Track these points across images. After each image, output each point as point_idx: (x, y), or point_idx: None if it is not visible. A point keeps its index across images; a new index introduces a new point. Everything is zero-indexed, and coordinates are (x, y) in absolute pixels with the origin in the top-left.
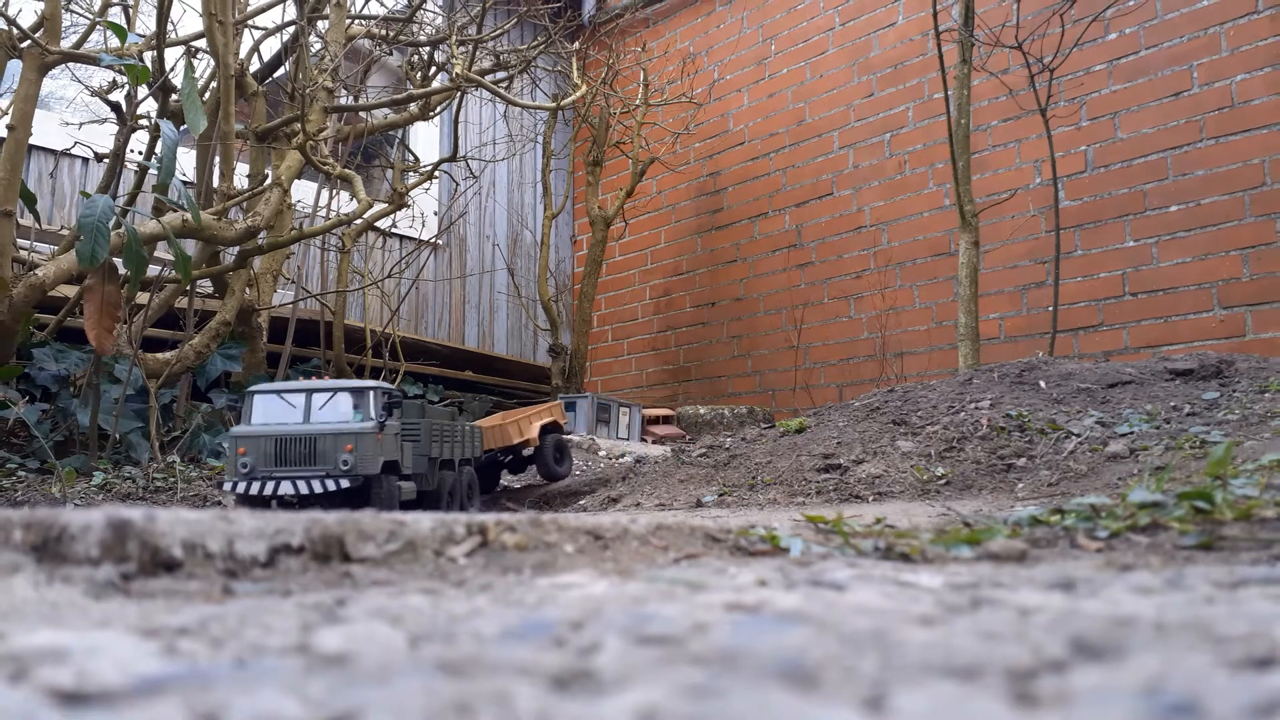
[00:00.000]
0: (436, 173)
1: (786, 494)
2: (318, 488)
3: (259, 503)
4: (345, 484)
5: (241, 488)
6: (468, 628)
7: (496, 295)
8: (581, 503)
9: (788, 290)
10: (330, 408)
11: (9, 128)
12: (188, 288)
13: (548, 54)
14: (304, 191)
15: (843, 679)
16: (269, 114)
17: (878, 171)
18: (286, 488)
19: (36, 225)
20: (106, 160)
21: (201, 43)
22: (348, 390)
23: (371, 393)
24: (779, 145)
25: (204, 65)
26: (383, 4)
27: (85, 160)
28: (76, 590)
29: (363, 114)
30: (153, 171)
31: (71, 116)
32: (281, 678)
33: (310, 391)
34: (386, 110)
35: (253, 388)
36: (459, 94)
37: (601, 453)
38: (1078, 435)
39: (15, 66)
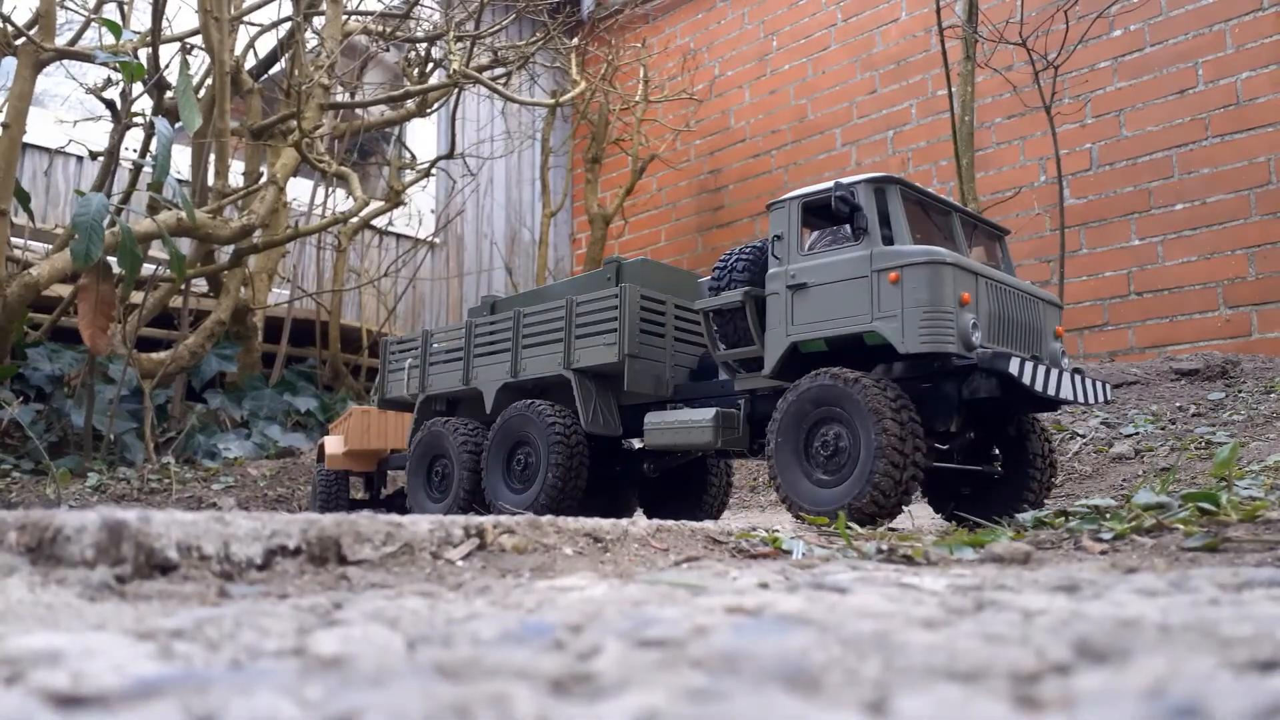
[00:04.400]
0: (433, 170)
1: None
2: (1096, 393)
3: (1040, 406)
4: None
5: (1020, 369)
6: (466, 630)
7: (495, 294)
8: None
9: None
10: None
11: (3, 125)
12: (182, 287)
13: (546, 50)
14: (300, 189)
15: (845, 682)
16: (265, 111)
17: (881, 169)
18: (1070, 388)
19: (31, 224)
20: (101, 158)
21: (197, 39)
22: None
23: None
24: (781, 142)
25: (199, 62)
26: (380, 0)
27: (80, 158)
28: (71, 592)
29: (359, 111)
30: (147, 169)
31: (66, 114)
32: (278, 680)
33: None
34: (383, 107)
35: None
36: (456, 90)
37: None
38: (1083, 436)
39: (10, 64)
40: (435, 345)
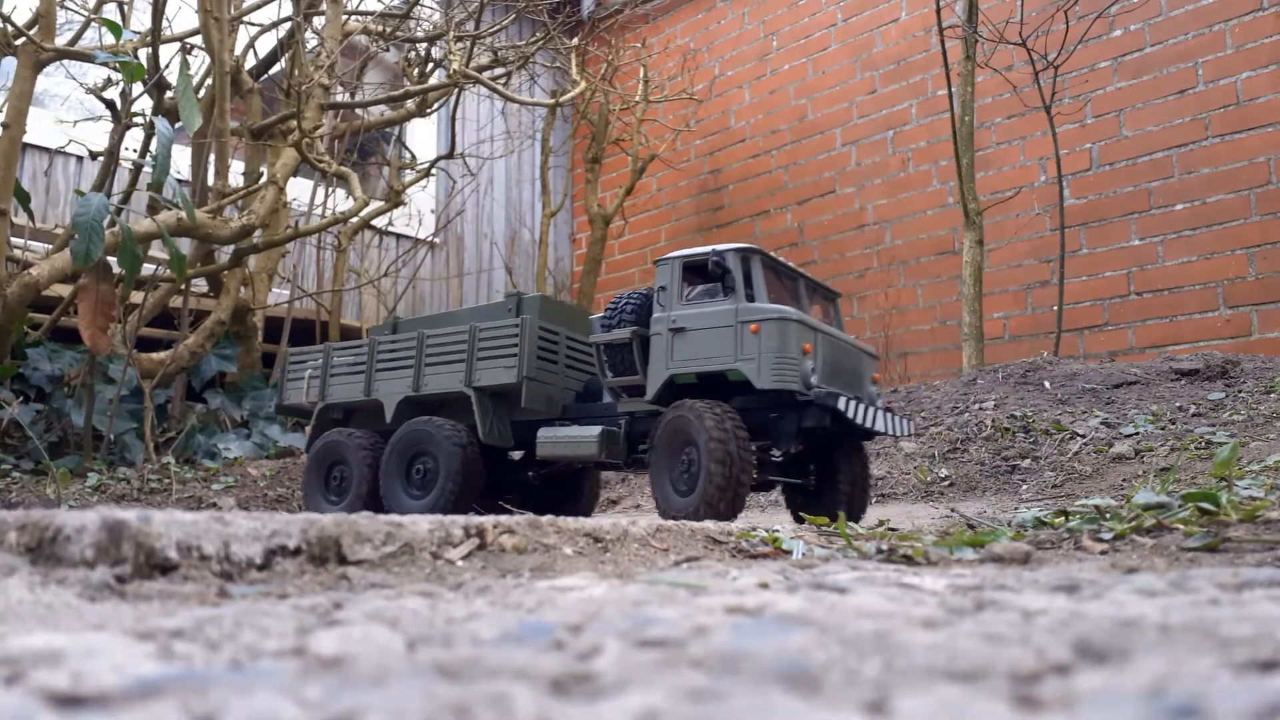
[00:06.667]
0: (433, 170)
1: None
2: (901, 428)
3: (856, 434)
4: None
5: (847, 405)
6: (466, 630)
7: (494, 294)
8: None
9: None
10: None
11: (3, 125)
12: (182, 287)
13: (546, 50)
14: (300, 189)
15: (845, 682)
16: (265, 111)
17: (880, 169)
18: (882, 422)
19: (30, 224)
20: (101, 158)
21: (197, 39)
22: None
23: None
24: (781, 142)
25: (199, 62)
26: (380, 0)
27: (80, 158)
28: (71, 592)
29: (359, 111)
30: (147, 169)
31: (66, 114)
32: (278, 680)
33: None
34: (383, 107)
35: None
36: (456, 90)
37: None
38: (1083, 436)
39: (10, 64)
40: (336, 360)
